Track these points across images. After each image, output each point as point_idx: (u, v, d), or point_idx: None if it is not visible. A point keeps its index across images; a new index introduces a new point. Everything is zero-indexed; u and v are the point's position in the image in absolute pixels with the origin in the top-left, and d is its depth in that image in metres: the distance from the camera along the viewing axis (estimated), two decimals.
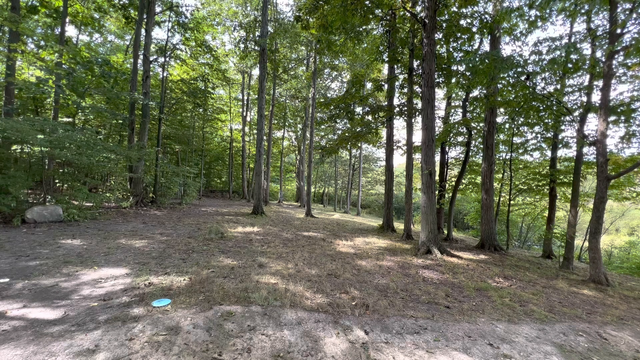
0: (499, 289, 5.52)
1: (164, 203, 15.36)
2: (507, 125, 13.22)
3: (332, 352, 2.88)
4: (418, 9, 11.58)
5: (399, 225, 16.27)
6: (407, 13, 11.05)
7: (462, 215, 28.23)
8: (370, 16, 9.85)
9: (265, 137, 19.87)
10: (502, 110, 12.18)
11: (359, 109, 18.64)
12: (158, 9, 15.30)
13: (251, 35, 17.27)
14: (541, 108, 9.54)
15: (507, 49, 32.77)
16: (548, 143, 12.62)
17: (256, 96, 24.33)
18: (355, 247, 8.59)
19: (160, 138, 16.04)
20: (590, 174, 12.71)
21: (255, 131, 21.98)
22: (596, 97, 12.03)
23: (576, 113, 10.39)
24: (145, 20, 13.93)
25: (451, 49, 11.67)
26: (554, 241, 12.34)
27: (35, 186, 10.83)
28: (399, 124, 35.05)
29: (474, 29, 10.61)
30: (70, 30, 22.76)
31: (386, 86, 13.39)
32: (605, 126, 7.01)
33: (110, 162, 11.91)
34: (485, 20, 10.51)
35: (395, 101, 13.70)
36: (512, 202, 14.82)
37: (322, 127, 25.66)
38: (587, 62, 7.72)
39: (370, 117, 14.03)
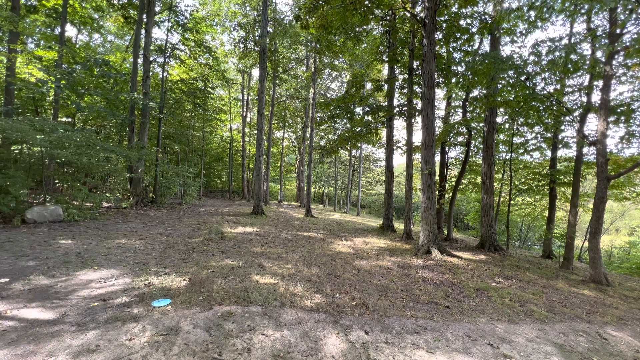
0: (499, 289, 5.52)
1: (164, 203, 15.35)
2: (507, 125, 13.21)
3: (332, 352, 2.88)
4: (418, 9, 11.58)
5: (399, 226, 16.26)
6: (407, 13, 11.05)
7: (462, 215, 28.22)
8: (370, 16, 9.84)
9: (265, 137, 19.88)
10: (502, 110, 12.18)
11: (359, 109, 18.65)
12: (158, 9, 15.29)
13: (251, 35, 17.27)
14: (541, 108, 9.53)
15: (506, 49, 32.84)
16: (548, 143, 12.62)
17: (256, 96, 24.33)
18: (355, 247, 8.59)
19: (160, 138, 16.03)
20: (590, 174, 12.70)
21: (255, 131, 21.98)
22: (596, 97, 12.02)
23: (576, 113, 10.39)
24: (145, 20, 13.92)
25: (451, 49, 11.67)
26: (554, 241, 12.33)
27: (35, 186, 10.82)
28: (399, 124, 35.05)
29: (474, 30, 10.61)
30: (70, 30, 22.77)
31: (386, 86, 13.39)
32: (605, 126, 7.01)
33: (109, 162, 11.89)
34: (485, 21, 10.51)
35: (395, 101, 13.70)
36: (512, 202, 14.82)
37: (322, 127, 25.65)
38: (587, 62, 7.72)
39: (370, 117, 14.03)
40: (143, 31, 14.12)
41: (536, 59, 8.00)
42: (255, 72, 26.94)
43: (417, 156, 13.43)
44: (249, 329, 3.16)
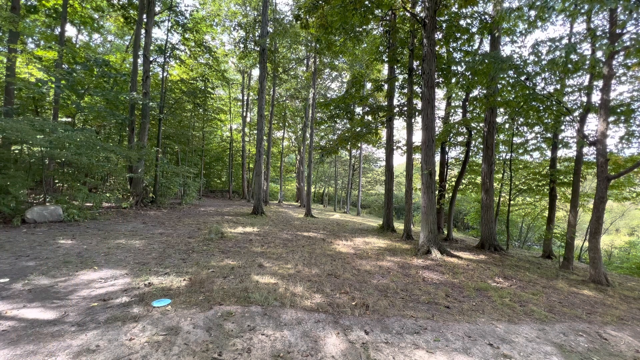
0: (499, 289, 5.52)
1: (164, 203, 15.35)
2: (507, 125, 13.21)
3: (332, 352, 2.88)
4: (418, 9, 11.58)
5: (399, 226, 16.26)
6: (407, 13, 11.05)
7: (462, 215, 28.23)
8: (370, 16, 9.84)
9: (265, 137, 19.87)
10: (502, 110, 12.18)
11: (358, 109, 18.68)
12: (158, 9, 15.29)
13: (251, 35, 17.27)
14: (541, 108, 9.53)
15: (506, 49, 32.78)
16: (548, 143, 12.62)
17: (256, 96, 24.33)
18: (355, 247, 8.59)
19: (160, 138, 16.03)
20: (590, 174, 12.70)
21: (255, 131, 21.97)
22: (596, 97, 12.05)
23: (576, 113, 10.38)
24: (145, 20, 13.92)
25: (451, 49, 11.66)
26: (554, 241, 12.34)
27: (35, 186, 10.83)
28: (399, 124, 35.10)
29: (474, 30, 10.61)
30: (70, 30, 22.77)
31: (386, 86, 13.38)
32: (605, 126, 7.01)
33: (109, 162, 11.88)
34: (485, 21, 10.51)
35: (395, 101, 13.70)
36: (512, 202, 14.81)
37: (322, 127, 25.64)
38: (587, 62, 7.71)
39: (370, 117, 14.02)
40: (143, 31, 14.12)
41: (536, 59, 7.99)
42: (255, 72, 26.96)
43: (417, 156, 13.43)
44: (249, 329, 3.16)
